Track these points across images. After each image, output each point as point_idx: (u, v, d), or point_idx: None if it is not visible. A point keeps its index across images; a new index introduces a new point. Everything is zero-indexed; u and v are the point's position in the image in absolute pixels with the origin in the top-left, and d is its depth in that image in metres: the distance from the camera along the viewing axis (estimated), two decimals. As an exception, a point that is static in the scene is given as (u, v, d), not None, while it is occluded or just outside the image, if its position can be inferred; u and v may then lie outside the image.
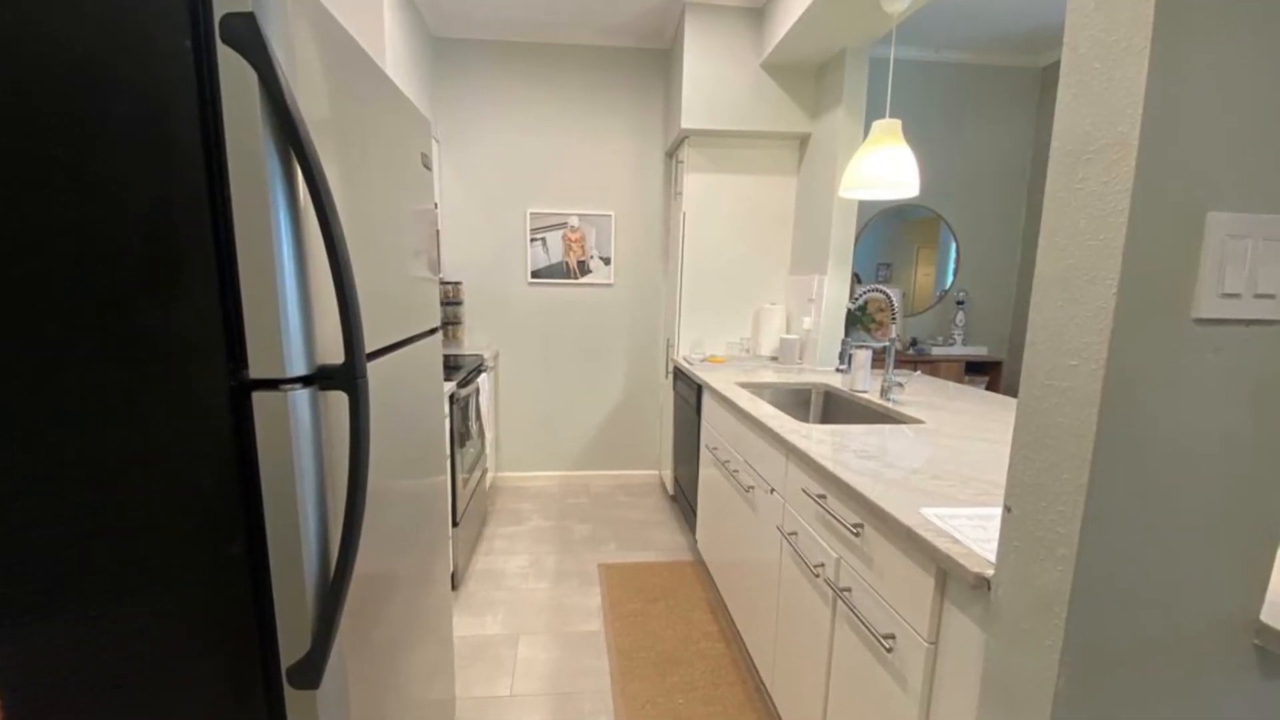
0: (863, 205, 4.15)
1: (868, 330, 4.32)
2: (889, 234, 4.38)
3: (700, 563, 3.18)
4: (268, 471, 0.89)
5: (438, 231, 3.77)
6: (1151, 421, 0.76)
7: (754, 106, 3.36)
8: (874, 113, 3.12)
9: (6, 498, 0.86)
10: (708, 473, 2.87)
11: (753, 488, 2.16)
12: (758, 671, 2.13)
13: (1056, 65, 4.05)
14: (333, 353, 0.95)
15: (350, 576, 0.94)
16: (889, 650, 1.26)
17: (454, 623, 2.60)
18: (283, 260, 0.85)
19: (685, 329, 3.73)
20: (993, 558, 1.00)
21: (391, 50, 2.76)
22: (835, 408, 2.74)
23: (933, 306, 4.44)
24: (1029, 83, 4.22)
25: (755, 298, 3.74)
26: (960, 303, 4.37)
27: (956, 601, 1.08)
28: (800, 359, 3.41)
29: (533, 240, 4.00)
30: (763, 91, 3.35)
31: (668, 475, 3.99)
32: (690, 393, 3.21)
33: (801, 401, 2.87)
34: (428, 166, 1.58)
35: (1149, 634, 0.82)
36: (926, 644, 1.14)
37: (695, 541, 3.12)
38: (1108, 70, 0.73)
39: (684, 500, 3.45)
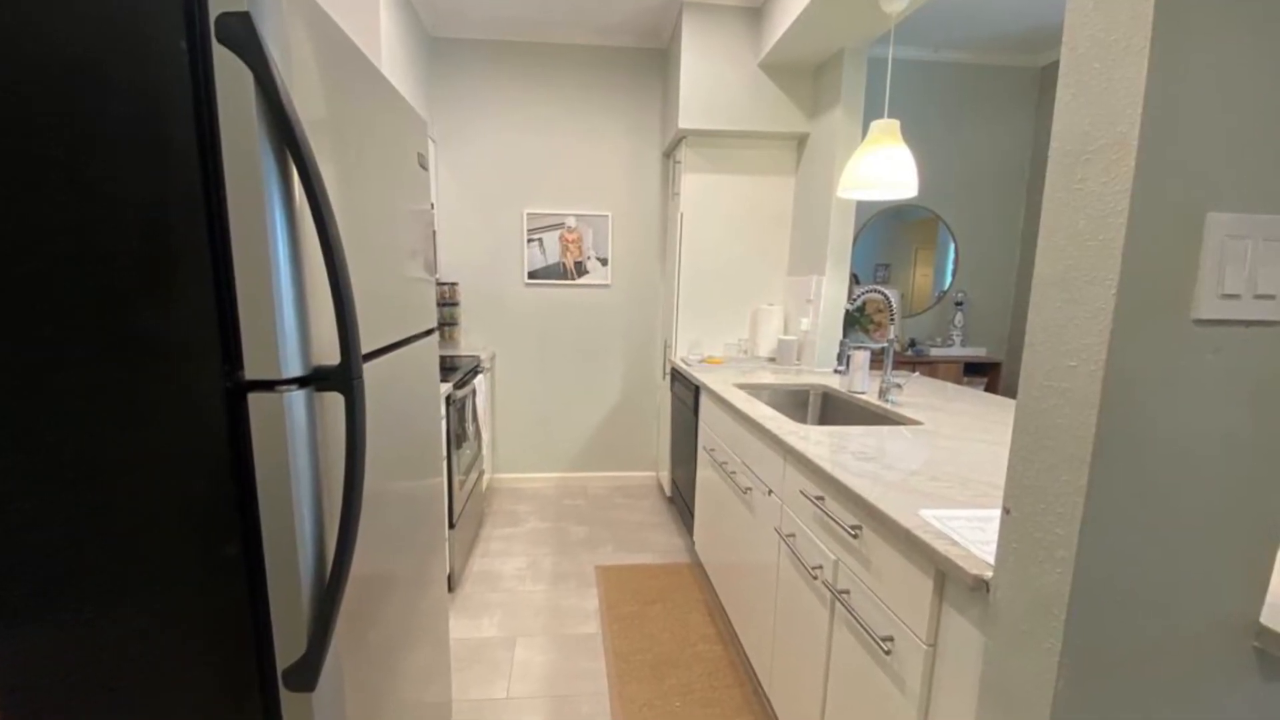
0: (861, 206, 4.15)
1: (866, 331, 4.32)
2: (887, 234, 4.38)
3: (698, 565, 3.17)
4: (263, 473, 0.88)
5: (434, 232, 3.76)
6: (1151, 422, 0.76)
7: (752, 106, 3.36)
8: (872, 113, 3.12)
9: (3, 499, 0.86)
10: (705, 474, 2.87)
11: (750, 489, 2.16)
12: (755, 674, 2.13)
13: (1055, 65, 4.06)
14: (328, 354, 0.95)
15: (346, 578, 0.94)
16: (887, 652, 1.25)
17: (450, 625, 2.60)
18: (278, 260, 0.84)
19: (683, 330, 3.72)
20: (991, 559, 0.99)
21: (387, 50, 2.75)
22: (833, 409, 2.74)
23: (931, 307, 4.44)
24: (1028, 83, 4.22)
25: (753, 299, 3.74)
26: (959, 304, 4.38)
27: (955, 604, 1.07)
28: (798, 360, 3.41)
29: (529, 241, 4.00)
30: (760, 91, 3.35)
31: (665, 477, 3.99)
32: (688, 394, 3.21)
33: (799, 403, 2.87)
34: (424, 166, 1.58)
35: (1148, 636, 0.82)
36: (925, 646, 1.14)
37: (693, 543, 3.12)
38: (1107, 70, 0.73)
39: (681, 502, 3.44)
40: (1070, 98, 0.78)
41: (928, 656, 1.14)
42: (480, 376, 3.34)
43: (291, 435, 0.88)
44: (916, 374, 3.29)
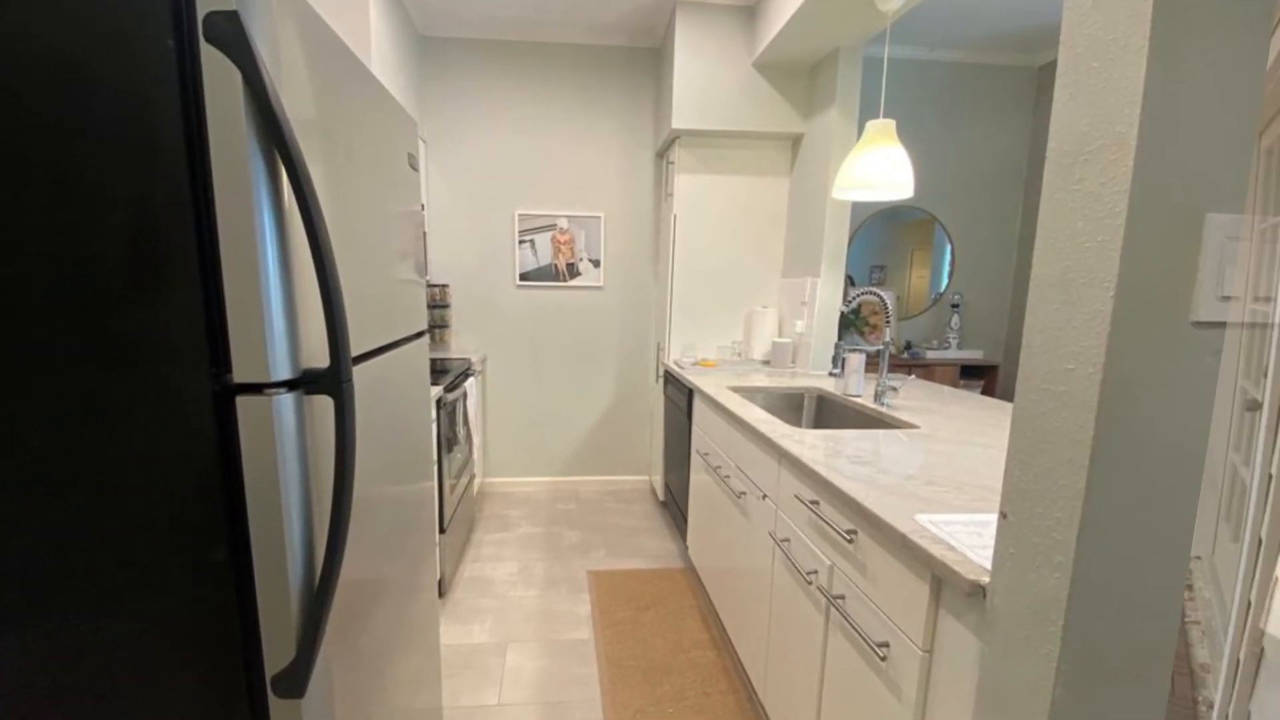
0: (856, 207, 4.15)
1: (861, 334, 4.32)
2: (883, 236, 4.38)
3: (691, 570, 3.16)
4: (252, 477, 0.87)
5: (424, 233, 3.75)
6: (1149, 425, 0.75)
7: (746, 106, 3.35)
8: (868, 113, 3.11)
9: (-12, 503, 0.84)
10: (699, 478, 2.86)
11: (744, 494, 2.15)
12: (750, 680, 2.12)
13: (1053, 64, 4.07)
14: (318, 356, 0.94)
15: (335, 584, 0.93)
16: (883, 659, 1.24)
17: (441, 631, 2.58)
18: (267, 262, 0.83)
19: (676, 332, 3.71)
20: (988, 565, 0.99)
21: (378, 49, 2.74)
22: (828, 412, 2.73)
23: (927, 309, 4.44)
24: (1025, 82, 4.23)
25: (747, 301, 3.73)
26: (955, 306, 4.38)
27: (952, 609, 1.07)
28: (793, 363, 3.40)
29: (521, 242, 3.98)
30: (755, 91, 3.34)
31: (658, 481, 3.97)
32: (681, 397, 3.20)
33: (794, 406, 2.86)
34: (414, 167, 1.56)
35: (1147, 641, 0.81)
36: (921, 652, 1.13)
37: (686, 548, 3.11)
38: (1105, 69, 0.72)
39: (675, 506, 3.43)
40: (1068, 97, 0.78)
41: (924, 663, 1.13)
42: (471, 379, 3.32)
43: (280, 439, 0.87)
44: (912, 377, 3.29)
